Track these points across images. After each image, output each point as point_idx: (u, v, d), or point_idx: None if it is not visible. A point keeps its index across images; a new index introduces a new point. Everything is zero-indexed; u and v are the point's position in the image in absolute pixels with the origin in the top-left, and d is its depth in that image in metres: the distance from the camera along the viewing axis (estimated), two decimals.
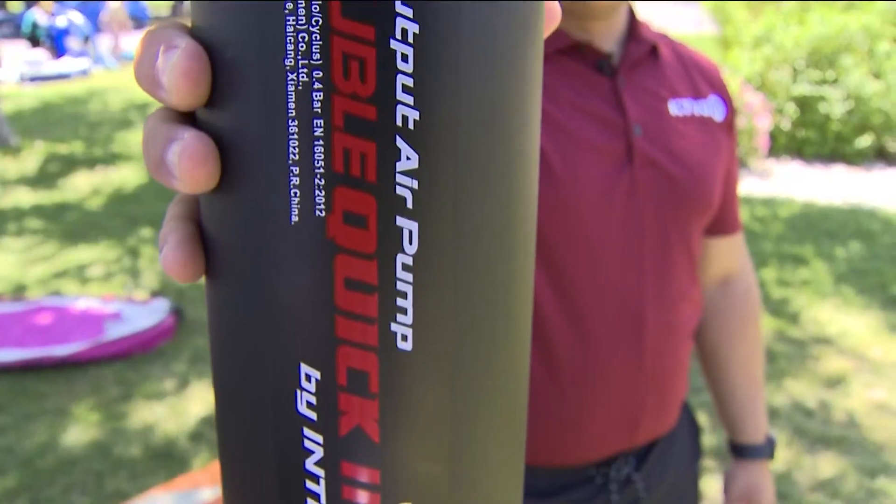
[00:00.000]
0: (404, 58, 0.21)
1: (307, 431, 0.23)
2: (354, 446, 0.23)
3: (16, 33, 14.74)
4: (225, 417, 0.25)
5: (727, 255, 1.09)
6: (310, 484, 0.24)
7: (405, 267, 0.22)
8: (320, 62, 0.21)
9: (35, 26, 12.62)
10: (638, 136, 0.89)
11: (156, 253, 4.25)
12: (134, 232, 4.68)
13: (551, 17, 0.28)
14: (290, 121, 0.21)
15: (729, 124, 0.99)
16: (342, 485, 0.23)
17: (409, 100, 0.21)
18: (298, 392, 0.23)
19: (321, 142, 0.21)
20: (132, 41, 13.01)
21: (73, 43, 12.47)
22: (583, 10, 0.88)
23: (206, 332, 0.65)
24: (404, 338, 0.22)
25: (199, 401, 2.89)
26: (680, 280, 0.95)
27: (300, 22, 0.21)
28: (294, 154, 0.21)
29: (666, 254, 0.93)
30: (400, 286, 0.22)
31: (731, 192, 1.05)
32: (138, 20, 15.51)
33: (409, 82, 0.21)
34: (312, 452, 0.23)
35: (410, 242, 0.22)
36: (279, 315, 0.23)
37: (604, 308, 0.90)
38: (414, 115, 0.21)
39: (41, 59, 11.40)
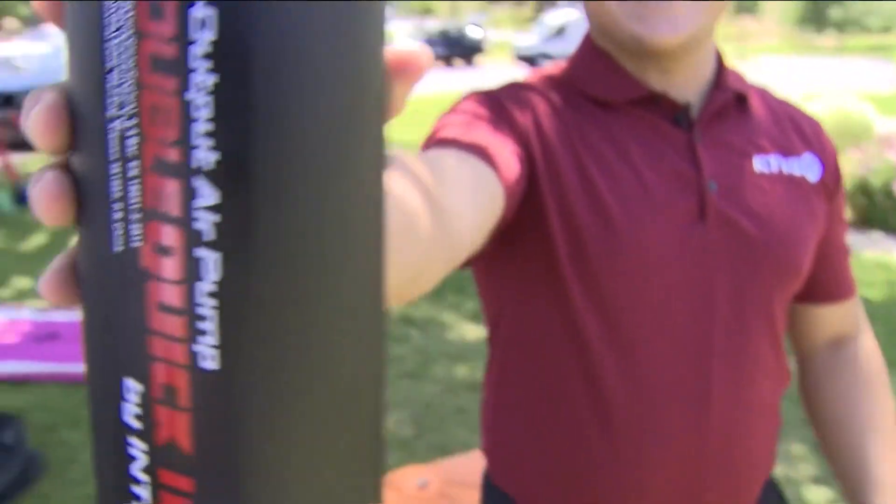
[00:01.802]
0: (205, 104, 0.24)
1: (132, 440, 0.27)
2: (170, 456, 0.26)
3: None
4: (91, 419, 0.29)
5: (838, 322, 1.02)
6: (135, 488, 0.27)
7: (209, 293, 0.25)
8: (134, 112, 0.25)
9: None
10: (713, 193, 0.83)
11: None
12: None
13: (409, 66, 0.30)
14: (111, 164, 0.26)
15: (827, 186, 0.92)
16: (161, 491, 0.27)
17: (208, 143, 0.24)
18: (123, 404, 0.27)
19: (136, 181, 0.25)
20: None
21: None
22: (641, 46, 0.81)
23: None
24: (210, 357, 0.25)
25: None
26: (757, 351, 0.88)
27: (117, 79, 0.25)
28: (115, 192, 0.26)
29: (741, 321, 0.86)
30: (202, 311, 0.25)
31: (839, 258, 0.99)
32: None
33: (208, 128, 0.24)
34: (136, 459, 0.27)
35: (214, 271, 0.25)
36: (106, 334, 0.27)
37: (665, 375, 0.84)
38: (212, 157, 0.24)
39: None
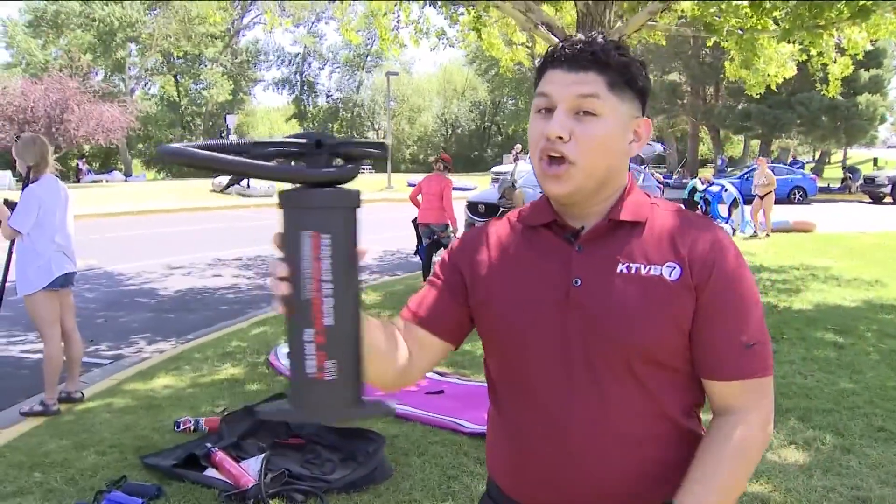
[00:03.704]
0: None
1: (308, 345, 1.00)
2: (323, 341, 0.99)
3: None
4: None
5: (725, 396, 1.26)
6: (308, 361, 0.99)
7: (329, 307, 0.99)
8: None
9: (694, 190, 15.67)
10: (575, 287, 1.24)
11: None
12: None
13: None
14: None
15: (688, 286, 1.22)
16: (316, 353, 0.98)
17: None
18: (306, 331, 0.99)
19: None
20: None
21: (721, 209, 15.32)
22: (548, 196, 1.30)
23: None
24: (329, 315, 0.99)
25: None
26: (616, 401, 1.23)
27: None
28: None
29: (594, 377, 1.23)
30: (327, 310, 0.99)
31: (720, 345, 1.24)
32: None
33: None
34: (309, 349, 0.99)
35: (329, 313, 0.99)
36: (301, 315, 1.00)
37: (539, 404, 1.28)
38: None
39: None
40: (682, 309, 1.23)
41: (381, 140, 1.22)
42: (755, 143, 41.26)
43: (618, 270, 1.25)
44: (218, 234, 16.06)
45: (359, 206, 1.01)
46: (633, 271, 1.24)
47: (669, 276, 1.23)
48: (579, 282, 1.25)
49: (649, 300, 1.23)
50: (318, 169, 0.99)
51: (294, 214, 0.98)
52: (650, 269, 1.24)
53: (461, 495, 3.53)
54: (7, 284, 4.90)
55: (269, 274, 1.01)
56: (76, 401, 5.02)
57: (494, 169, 29.38)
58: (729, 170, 31.66)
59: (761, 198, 14.99)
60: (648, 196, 1.34)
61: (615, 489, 1.28)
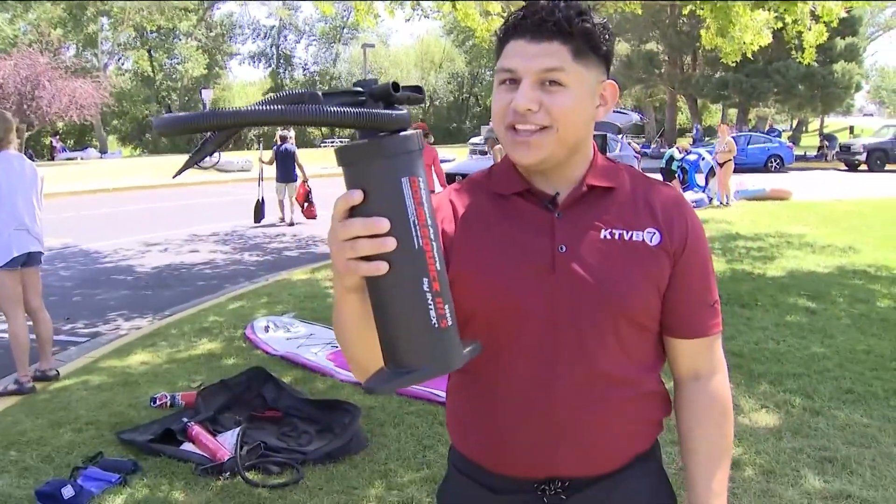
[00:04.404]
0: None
1: (428, 296, 0.95)
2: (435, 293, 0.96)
3: None
4: None
5: (691, 357, 1.34)
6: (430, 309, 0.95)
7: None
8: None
9: (671, 159, 15.71)
10: (561, 253, 1.24)
11: None
12: None
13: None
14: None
15: (667, 250, 1.26)
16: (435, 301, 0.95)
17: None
18: (424, 279, 0.94)
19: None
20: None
21: (698, 178, 15.40)
22: (523, 167, 1.28)
23: None
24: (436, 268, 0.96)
25: None
26: (598, 359, 1.24)
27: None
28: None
29: (581, 340, 1.24)
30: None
31: (691, 304, 1.30)
32: None
33: None
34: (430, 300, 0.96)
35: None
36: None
37: (522, 369, 1.26)
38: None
39: None
40: (661, 273, 1.28)
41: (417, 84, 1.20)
42: (733, 112, 41.38)
43: (601, 236, 1.26)
44: (194, 210, 15.94)
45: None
46: (616, 237, 1.26)
47: (650, 241, 1.27)
48: (564, 248, 1.25)
49: (634, 265, 1.25)
50: (398, 111, 0.94)
51: (387, 164, 0.92)
52: (632, 234, 1.27)
53: (436, 464, 3.57)
54: None
55: (359, 234, 0.92)
56: (51, 379, 5.00)
57: (472, 140, 29.36)
58: (706, 139, 31.76)
59: (721, 165, 14.89)
60: (611, 161, 1.35)
61: (599, 452, 1.30)
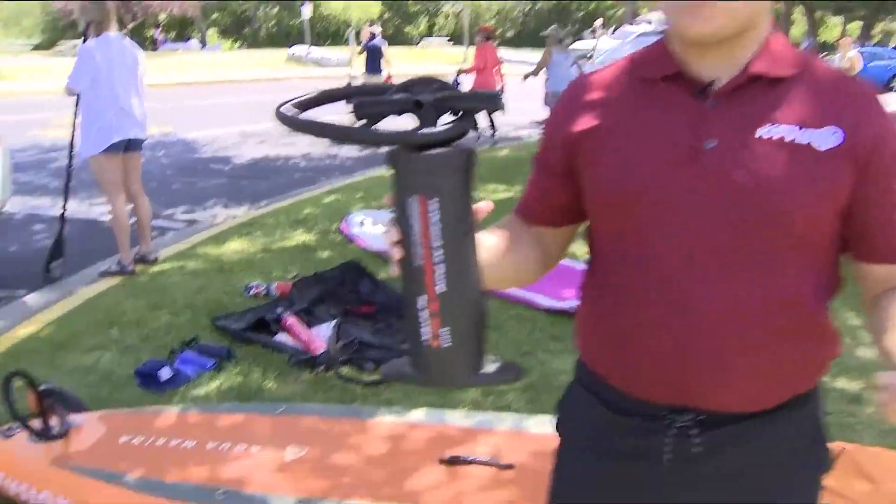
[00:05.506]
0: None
1: (422, 314, 1.00)
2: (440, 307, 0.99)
3: None
4: None
5: (886, 280, 1.12)
6: (423, 328, 0.99)
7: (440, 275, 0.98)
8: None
9: None
10: (709, 150, 1.04)
11: None
12: None
13: None
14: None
15: (849, 154, 1.03)
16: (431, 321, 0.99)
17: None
18: (419, 299, 1.01)
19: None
20: None
21: None
22: (683, 37, 1.07)
23: None
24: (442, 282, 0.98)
25: None
26: (750, 284, 1.05)
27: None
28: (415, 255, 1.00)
29: (726, 257, 1.05)
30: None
31: (880, 221, 1.08)
32: None
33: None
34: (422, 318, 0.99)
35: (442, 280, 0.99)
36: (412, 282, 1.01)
37: (657, 271, 1.08)
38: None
39: None
40: (839, 182, 1.05)
41: (495, 91, 1.19)
42: (854, 26, 38.56)
43: (763, 134, 1.04)
44: None
45: (472, 166, 0.97)
46: (781, 137, 1.04)
47: (826, 143, 1.04)
48: (713, 144, 1.05)
49: (801, 170, 1.03)
50: (417, 132, 0.94)
51: (400, 177, 0.96)
52: (804, 134, 1.04)
53: (535, 371, 3.40)
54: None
55: (385, 236, 0.99)
56: (150, 262, 5.04)
57: (573, 45, 28.22)
58: (823, 55, 29.70)
59: None
60: (790, 46, 1.11)
61: (747, 385, 1.10)
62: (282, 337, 3.66)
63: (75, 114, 4.78)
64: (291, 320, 3.69)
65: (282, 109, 0.97)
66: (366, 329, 3.82)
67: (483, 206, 1.01)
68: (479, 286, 1.00)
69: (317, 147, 10.60)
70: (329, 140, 0.98)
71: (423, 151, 0.93)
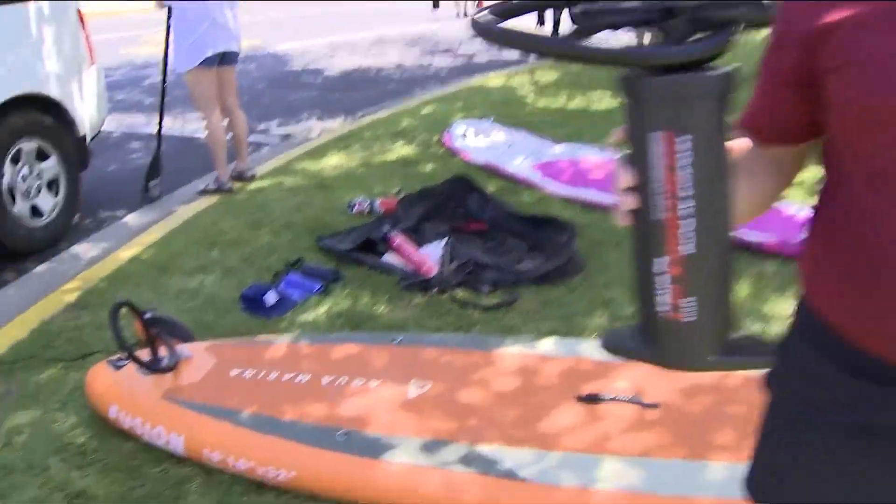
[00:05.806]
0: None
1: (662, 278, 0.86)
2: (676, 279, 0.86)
3: None
4: None
5: None
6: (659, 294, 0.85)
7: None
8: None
9: None
10: None
11: None
12: None
13: None
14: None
15: None
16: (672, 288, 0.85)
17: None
18: (657, 261, 0.88)
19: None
20: None
21: None
22: None
23: None
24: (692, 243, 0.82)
25: None
26: None
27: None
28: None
29: None
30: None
31: None
32: None
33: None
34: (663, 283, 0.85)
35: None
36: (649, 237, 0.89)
37: None
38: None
39: None
40: None
41: None
42: None
43: None
44: (380, 13, 15.55)
45: (730, 93, 0.79)
46: None
47: None
48: None
49: None
50: (664, 48, 0.76)
51: (638, 108, 0.79)
52: None
53: None
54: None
55: (612, 180, 0.83)
56: (248, 179, 4.89)
57: None
58: None
59: None
60: None
61: None
62: (390, 257, 3.44)
63: (167, 29, 4.59)
64: (400, 239, 3.46)
65: (478, 19, 0.80)
66: (477, 248, 3.56)
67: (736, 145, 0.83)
68: (731, 245, 0.83)
69: (408, 57, 10.24)
70: (537, 55, 0.82)
71: (671, 74, 0.76)
